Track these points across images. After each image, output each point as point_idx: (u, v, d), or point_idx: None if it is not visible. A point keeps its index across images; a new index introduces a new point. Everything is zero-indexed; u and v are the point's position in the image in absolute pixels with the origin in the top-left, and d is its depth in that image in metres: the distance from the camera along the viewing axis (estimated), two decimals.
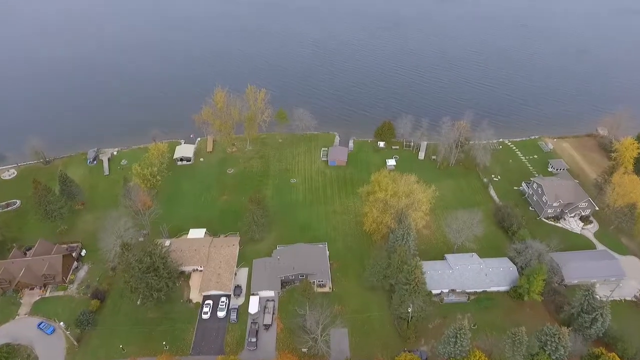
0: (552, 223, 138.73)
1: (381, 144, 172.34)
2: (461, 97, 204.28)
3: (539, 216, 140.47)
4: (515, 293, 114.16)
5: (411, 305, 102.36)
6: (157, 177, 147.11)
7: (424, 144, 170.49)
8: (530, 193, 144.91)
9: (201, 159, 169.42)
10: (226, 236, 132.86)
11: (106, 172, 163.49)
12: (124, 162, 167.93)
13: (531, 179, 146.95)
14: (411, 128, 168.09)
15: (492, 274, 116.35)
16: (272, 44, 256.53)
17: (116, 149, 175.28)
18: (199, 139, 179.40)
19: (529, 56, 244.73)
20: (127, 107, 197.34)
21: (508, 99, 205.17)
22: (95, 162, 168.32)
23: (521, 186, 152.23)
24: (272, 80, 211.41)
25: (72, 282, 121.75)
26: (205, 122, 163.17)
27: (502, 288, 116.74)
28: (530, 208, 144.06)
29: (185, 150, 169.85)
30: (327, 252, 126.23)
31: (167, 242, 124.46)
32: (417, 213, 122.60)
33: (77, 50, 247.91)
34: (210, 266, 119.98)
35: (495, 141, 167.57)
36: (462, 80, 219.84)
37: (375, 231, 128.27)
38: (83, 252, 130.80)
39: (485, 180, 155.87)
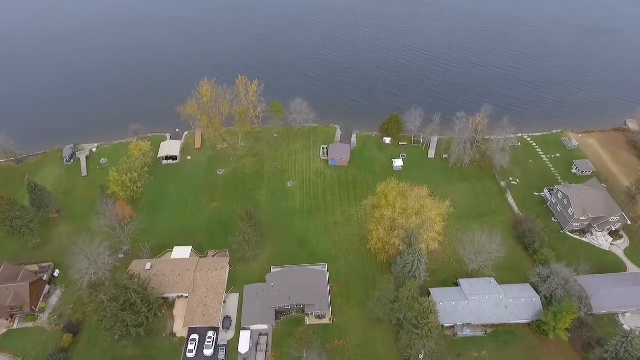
0: (578, 237, 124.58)
1: (387, 140, 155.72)
2: (474, 85, 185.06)
3: (562, 229, 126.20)
4: (538, 328, 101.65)
5: (422, 352, 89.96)
6: (138, 183, 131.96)
7: (434, 140, 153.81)
8: (554, 202, 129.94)
9: (188, 157, 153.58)
10: (215, 255, 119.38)
11: (84, 173, 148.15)
12: (103, 160, 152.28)
13: (555, 187, 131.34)
14: (420, 122, 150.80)
15: (513, 306, 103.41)
16: (265, 27, 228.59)
17: (95, 145, 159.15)
18: (186, 132, 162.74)
19: (548, 36, 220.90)
20: (107, 97, 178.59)
21: (525, 87, 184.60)
22: (72, 160, 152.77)
23: (543, 192, 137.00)
24: (266, 68, 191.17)
25: (42, 310, 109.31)
26: (191, 117, 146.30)
27: (524, 320, 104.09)
28: (554, 219, 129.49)
29: (171, 147, 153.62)
30: (327, 275, 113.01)
31: (148, 265, 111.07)
32: (429, 234, 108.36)
33: (49, 36, 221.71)
34: (196, 294, 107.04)
35: (513, 136, 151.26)
36: (476, 66, 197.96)
37: (380, 251, 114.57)
38: (56, 273, 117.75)
39: (502, 184, 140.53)
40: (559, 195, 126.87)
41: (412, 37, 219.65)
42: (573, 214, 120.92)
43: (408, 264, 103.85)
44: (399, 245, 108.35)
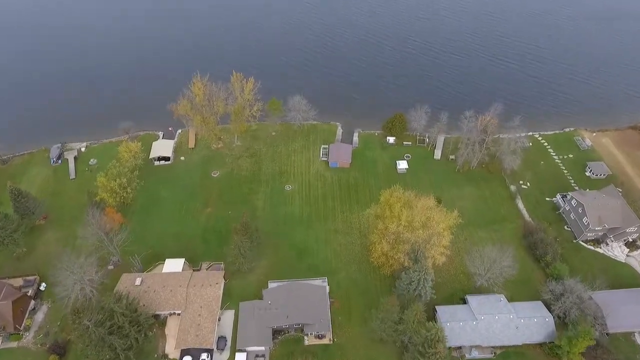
0: (592, 248, 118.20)
1: (391, 139, 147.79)
2: (482, 79, 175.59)
3: (576, 238, 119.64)
4: (551, 351, 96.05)
5: None
6: (128, 189, 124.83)
7: (440, 140, 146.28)
8: (567, 209, 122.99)
9: (182, 158, 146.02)
10: (209, 268, 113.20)
11: (72, 176, 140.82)
12: (92, 161, 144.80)
13: (569, 193, 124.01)
14: (426, 120, 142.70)
15: (524, 326, 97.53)
16: (262, 19, 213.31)
17: (84, 144, 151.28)
18: (179, 131, 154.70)
19: (561, 23, 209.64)
20: (97, 93, 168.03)
21: (536, 81, 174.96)
22: (59, 161, 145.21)
23: (555, 197, 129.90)
24: (263, 62, 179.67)
25: (28, 328, 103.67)
26: (183, 116, 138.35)
27: (535, 341, 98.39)
28: (566, 227, 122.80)
29: (163, 147, 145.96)
30: (327, 291, 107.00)
31: (138, 281, 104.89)
32: (437, 249, 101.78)
33: (36, 29, 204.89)
34: (188, 312, 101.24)
35: (523, 135, 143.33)
36: (483, 59, 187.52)
37: (384, 264, 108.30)
38: (42, 286, 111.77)
39: (512, 188, 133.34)
40: (573, 202, 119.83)
41: (417, 26, 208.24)
42: (588, 224, 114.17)
43: (413, 281, 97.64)
44: (404, 260, 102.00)
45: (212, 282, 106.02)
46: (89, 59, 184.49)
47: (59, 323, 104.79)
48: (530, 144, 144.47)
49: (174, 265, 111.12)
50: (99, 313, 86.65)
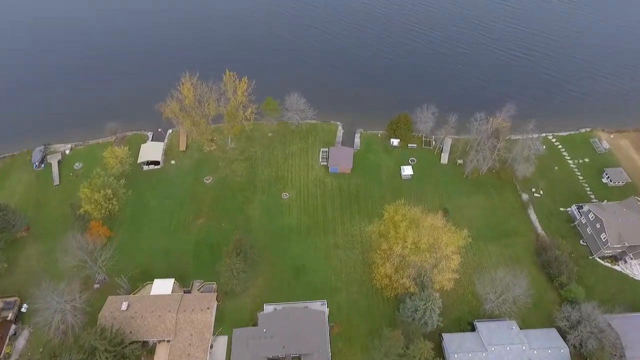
0: (609, 265, 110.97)
1: (395, 141, 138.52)
2: (490, 73, 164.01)
3: (592, 255, 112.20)
4: None
5: None
6: (114, 200, 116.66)
7: (447, 143, 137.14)
8: (584, 222, 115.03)
9: (172, 162, 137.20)
10: (200, 288, 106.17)
11: (56, 182, 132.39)
12: (77, 165, 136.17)
13: (586, 205, 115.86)
14: (433, 122, 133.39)
15: (537, 358, 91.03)
16: (257, 9, 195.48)
17: (69, 146, 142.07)
18: (170, 131, 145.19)
19: (577, 15, 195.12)
20: (82, 91, 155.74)
21: (550, 76, 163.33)
22: (42, 165, 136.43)
23: (570, 208, 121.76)
24: (259, 57, 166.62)
25: (8, 356, 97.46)
26: (173, 118, 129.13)
27: None
28: (582, 242, 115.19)
29: (152, 151, 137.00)
30: (327, 315, 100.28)
31: (124, 306, 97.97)
32: (445, 274, 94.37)
33: (15, 24, 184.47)
34: (178, 341, 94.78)
35: (536, 136, 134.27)
36: (489, 51, 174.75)
37: (387, 287, 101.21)
38: (24, 308, 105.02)
39: (524, 196, 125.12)
40: (590, 216, 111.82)
41: (422, 16, 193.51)
42: (606, 241, 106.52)
43: (419, 309, 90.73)
44: (409, 286, 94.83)
45: (203, 307, 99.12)
46: (72, 54, 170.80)
47: (41, 350, 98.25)
48: (544, 146, 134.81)
49: (163, 286, 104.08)
50: (78, 352, 79.91)
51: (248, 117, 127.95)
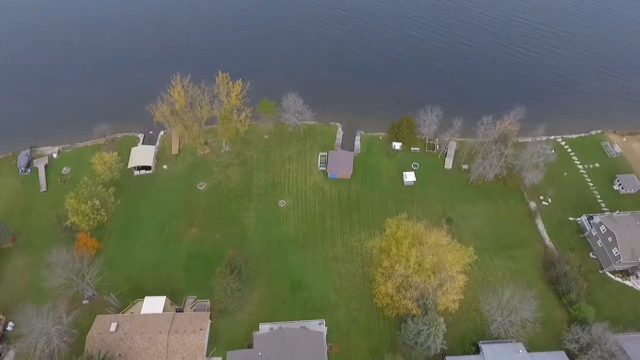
0: (619, 280, 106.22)
1: (397, 145, 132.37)
2: (495, 72, 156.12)
3: (602, 269, 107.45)
4: None
5: None
6: (102, 211, 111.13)
7: (452, 147, 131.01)
8: (594, 234, 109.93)
9: (164, 166, 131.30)
10: (193, 306, 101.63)
11: (43, 188, 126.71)
12: (65, 170, 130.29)
13: (597, 217, 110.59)
14: (438, 125, 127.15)
15: None
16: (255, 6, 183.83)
17: (56, 149, 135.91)
18: (161, 133, 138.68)
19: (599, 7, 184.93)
20: (70, 90, 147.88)
21: (559, 74, 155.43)
22: (29, 170, 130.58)
23: (580, 218, 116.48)
24: (253, 53, 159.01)
25: None
26: (164, 122, 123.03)
27: None
28: (592, 254, 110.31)
29: (143, 155, 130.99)
30: (325, 335, 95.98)
31: (113, 327, 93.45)
32: (450, 296, 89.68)
33: None
34: None
35: (545, 139, 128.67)
36: (495, 46, 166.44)
37: (388, 306, 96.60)
38: (10, 326, 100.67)
39: (532, 205, 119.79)
40: (602, 229, 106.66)
41: (427, 9, 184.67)
42: (618, 256, 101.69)
43: (422, 333, 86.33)
44: (412, 308, 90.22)
45: (196, 327, 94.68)
46: (59, 52, 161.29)
47: None
48: (553, 150, 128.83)
49: (153, 304, 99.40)
50: None
51: (242, 121, 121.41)
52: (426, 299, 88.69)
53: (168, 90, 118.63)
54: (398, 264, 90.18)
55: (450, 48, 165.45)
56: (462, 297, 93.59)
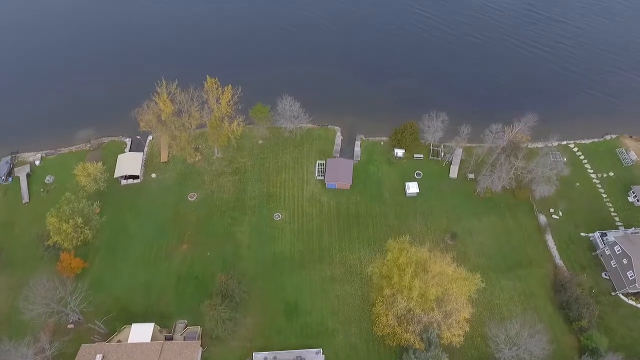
0: (633, 304, 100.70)
1: (399, 152, 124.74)
2: (501, 72, 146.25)
3: (615, 291, 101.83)
4: None
5: None
6: (86, 229, 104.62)
7: (458, 154, 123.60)
8: (607, 254, 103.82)
9: (153, 175, 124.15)
10: (183, 333, 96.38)
11: (25, 199, 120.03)
12: (48, 179, 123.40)
13: (611, 234, 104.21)
14: (443, 131, 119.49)
15: None
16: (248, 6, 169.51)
17: (39, 155, 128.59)
18: (150, 137, 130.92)
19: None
20: (53, 92, 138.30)
21: (571, 73, 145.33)
22: (10, 179, 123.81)
23: (592, 235, 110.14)
24: (248, 51, 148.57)
25: None
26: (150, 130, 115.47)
27: None
28: (604, 275, 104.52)
29: (130, 162, 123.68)
30: None
31: (99, 358, 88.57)
32: (455, 330, 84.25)
33: None
34: None
35: (556, 144, 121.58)
36: (501, 42, 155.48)
37: (389, 335, 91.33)
38: None
39: (541, 219, 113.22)
40: (616, 249, 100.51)
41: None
42: (634, 280, 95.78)
43: None
44: (414, 342, 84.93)
45: (186, 358, 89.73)
46: (42, 52, 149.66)
47: None
48: (565, 159, 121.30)
49: (141, 332, 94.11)
50: None
51: (234, 130, 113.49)
52: (430, 333, 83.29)
53: (153, 97, 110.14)
54: (400, 294, 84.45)
55: (458, 47, 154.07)
56: (468, 329, 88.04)
